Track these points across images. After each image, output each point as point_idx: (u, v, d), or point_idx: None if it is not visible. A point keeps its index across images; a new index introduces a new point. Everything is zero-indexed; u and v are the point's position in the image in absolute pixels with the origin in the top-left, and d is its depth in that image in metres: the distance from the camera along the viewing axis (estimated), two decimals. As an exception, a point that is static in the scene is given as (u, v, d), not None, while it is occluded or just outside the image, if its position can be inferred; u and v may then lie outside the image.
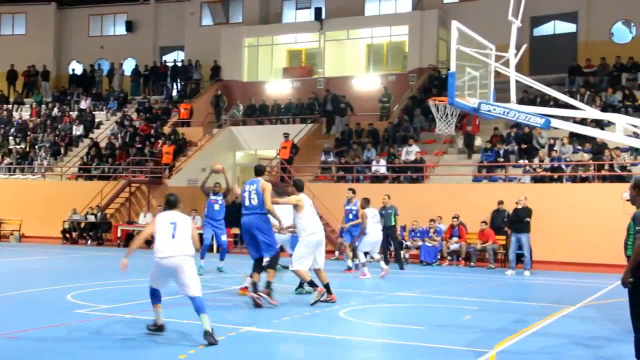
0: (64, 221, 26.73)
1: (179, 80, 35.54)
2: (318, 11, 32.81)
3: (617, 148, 20.73)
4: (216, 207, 16.84)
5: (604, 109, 22.38)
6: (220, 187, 17.00)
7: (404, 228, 21.35)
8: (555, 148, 22.13)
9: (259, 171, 11.96)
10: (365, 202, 16.57)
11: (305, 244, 11.54)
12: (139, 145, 29.67)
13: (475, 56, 10.97)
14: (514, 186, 21.45)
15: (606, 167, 20.90)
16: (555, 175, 21.36)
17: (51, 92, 37.36)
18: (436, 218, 21.19)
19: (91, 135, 32.52)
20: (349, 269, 17.67)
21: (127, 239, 25.62)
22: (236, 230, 24.09)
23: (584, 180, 21.05)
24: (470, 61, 10.96)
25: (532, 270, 18.21)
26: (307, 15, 34.15)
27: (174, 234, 8.83)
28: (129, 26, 38.28)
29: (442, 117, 13.34)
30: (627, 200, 7.96)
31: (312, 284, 11.64)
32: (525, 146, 22.99)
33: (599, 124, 20.76)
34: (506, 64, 11.49)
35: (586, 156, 21.62)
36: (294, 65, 34.73)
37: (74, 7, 39.54)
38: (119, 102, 34.83)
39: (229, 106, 31.80)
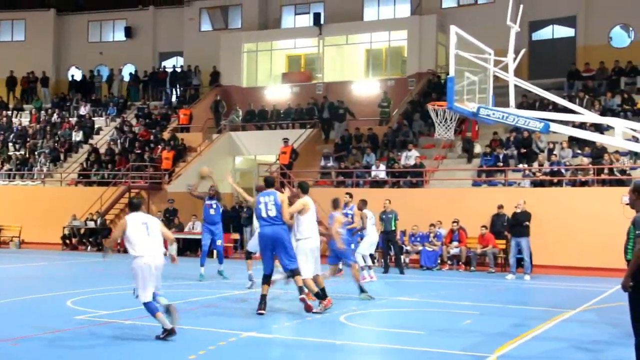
0: (64, 227, 26.73)
1: (178, 86, 35.59)
2: (317, 16, 32.85)
3: (616, 152, 20.75)
4: (211, 211, 16.81)
5: (603, 113, 22.41)
6: (215, 190, 17.04)
7: (404, 233, 21.34)
8: (554, 152, 22.16)
9: (270, 183, 11.83)
10: (363, 204, 16.57)
11: (302, 251, 11.51)
12: (139, 151, 29.69)
13: (474, 61, 11.00)
14: (513, 190, 21.45)
15: (606, 171, 20.91)
16: (555, 180, 21.35)
17: (50, 98, 37.38)
18: (436, 223, 21.19)
19: (91, 141, 32.52)
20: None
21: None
22: (235, 236, 24.14)
23: (583, 184, 21.06)
24: (469, 66, 10.99)
25: (533, 275, 18.21)
26: (306, 20, 34.22)
27: (148, 232, 9.26)
28: (128, 32, 38.33)
29: (441, 122, 13.35)
30: (627, 204, 7.97)
31: (318, 295, 11.58)
32: (525, 150, 23.01)
33: (598, 128, 20.81)
34: (505, 68, 11.53)
35: (586, 160, 21.63)
36: (293, 70, 34.77)
37: (73, 13, 39.60)
38: (118, 108, 34.85)
39: (229, 111, 31.82)
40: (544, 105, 23.04)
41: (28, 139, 33.29)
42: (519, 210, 18.66)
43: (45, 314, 10.56)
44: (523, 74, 25.57)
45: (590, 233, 19.57)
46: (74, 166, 30.69)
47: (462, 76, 10.89)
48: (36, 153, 31.82)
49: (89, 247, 26.34)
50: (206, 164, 28.39)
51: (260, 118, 31.25)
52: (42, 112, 35.67)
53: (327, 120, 29.26)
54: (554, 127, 11.20)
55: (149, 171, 27.97)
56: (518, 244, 18.26)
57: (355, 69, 33.51)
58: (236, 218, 24.14)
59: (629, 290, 6.90)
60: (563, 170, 21.62)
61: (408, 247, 21.16)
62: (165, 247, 9.83)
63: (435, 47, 30.43)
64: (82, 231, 26.82)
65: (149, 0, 37.87)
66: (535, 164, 22.30)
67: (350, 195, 17.04)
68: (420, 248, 20.91)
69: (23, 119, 35.72)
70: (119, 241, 9.82)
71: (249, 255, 14.85)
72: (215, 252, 17.00)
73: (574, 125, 18.81)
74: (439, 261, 20.74)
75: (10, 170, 31.10)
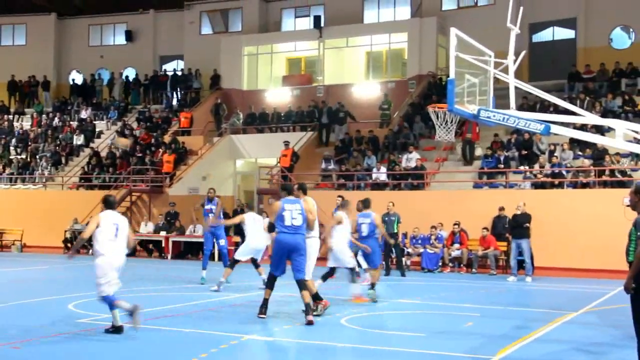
0: (66, 231, 26.70)
1: (178, 89, 35.59)
2: (317, 19, 32.85)
3: (617, 154, 20.74)
4: (211, 215, 16.75)
5: (604, 114, 22.38)
6: (214, 193, 17.00)
7: (405, 235, 21.31)
8: (555, 154, 22.15)
9: (290, 189, 11.52)
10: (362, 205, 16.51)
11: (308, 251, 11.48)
12: (140, 155, 29.69)
13: (474, 63, 10.98)
14: (514, 192, 21.44)
15: (607, 172, 20.90)
16: (556, 181, 21.36)
17: (52, 102, 37.44)
18: (437, 225, 21.15)
19: (92, 144, 32.55)
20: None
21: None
22: (237, 239, 24.11)
23: (584, 186, 21.04)
24: (469, 68, 10.96)
25: (534, 277, 18.17)
26: (306, 23, 34.24)
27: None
28: (129, 36, 38.36)
29: (442, 124, 13.35)
30: (628, 205, 7.95)
31: (316, 297, 11.53)
32: (526, 152, 23.02)
33: (599, 130, 20.78)
34: (505, 70, 11.50)
35: (587, 162, 21.61)
36: (293, 73, 34.78)
37: (74, 17, 39.64)
38: (119, 111, 34.88)
39: (229, 115, 31.84)
40: (545, 107, 23.04)
41: (29, 143, 33.33)
42: (519, 212, 18.64)
43: (47, 317, 10.55)
44: (523, 76, 25.58)
45: (592, 235, 19.59)
46: (75, 170, 30.71)
47: (462, 78, 10.86)
48: (37, 157, 31.85)
49: (90, 251, 26.24)
50: (207, 167, 28.67)
51: (261, 121, 31.26)
52: (44, 116, 35.73)
53: (326, 125, 29.25)
54: (554, 129, 11.17)
55: (150, 174, 27.97)
56: (519, 245, 18.23)
57: (355, 72, 33.51)
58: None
59: (631, 292, 6.88)
60: (564, 172, 21.61)
61: (409, 250, 21.12)
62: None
63: (436, 49, 30.42)
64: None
65: (149, 4, 37.87)
66: (536, 166, 22.29)
67: (343, 198, 16.96)
68: (421, 250, 20.87)
69: (24, 123, 35.78)
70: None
71: (234, 264, 14.82)
72: (218, 253, 16.95)
73: (575, 127, 18.78)
74: (440, 263, 20.71)
75: (12, 174, 31.12)
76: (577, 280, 18.31)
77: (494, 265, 19.90)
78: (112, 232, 9.58)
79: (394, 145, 26.20)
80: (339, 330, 10.42)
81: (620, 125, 11.48)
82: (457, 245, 20.70)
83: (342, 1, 33.87)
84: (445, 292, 15.49)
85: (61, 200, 28.02)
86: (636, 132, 11.72)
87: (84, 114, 35.10)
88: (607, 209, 19.19)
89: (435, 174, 24.00)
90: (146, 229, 25.64)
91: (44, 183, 30.18)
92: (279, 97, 33.08)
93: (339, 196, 17.63)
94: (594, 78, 27.10)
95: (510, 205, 19.48)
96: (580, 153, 22.31)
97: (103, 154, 30.92)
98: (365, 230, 13.69)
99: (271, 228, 11.36)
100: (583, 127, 20.40)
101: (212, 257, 17.28)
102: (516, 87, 11.53)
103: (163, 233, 24.91)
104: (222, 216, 17.21)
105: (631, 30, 29.19)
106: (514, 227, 18.74)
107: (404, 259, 20.14)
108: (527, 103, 23.95)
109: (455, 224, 20.76)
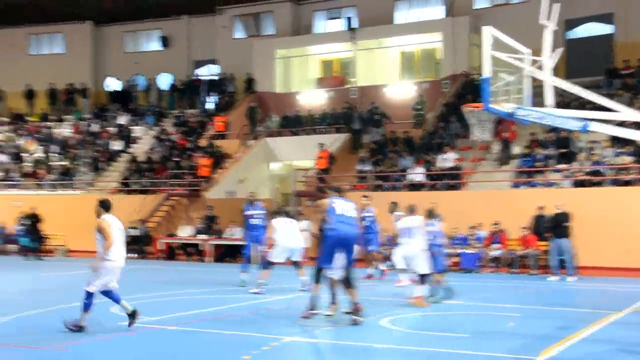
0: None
1: (214, 94, 35.80)
2: (349, 21, 32.90)
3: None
4: (252, 220, 16.59)
5: (644, 110, 22.03)
6: (255, 197, 17.03)
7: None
8: (595, 151, 21.86)
9: (339, 189, 11.94)
10: (394, 206, 16.56)
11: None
12: (177, 159, 30.02)
13: (509, 61, 10.90)
14: (553, 191, 21.23)
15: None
16: (596, 179, 21.06)
17: (90, 108, 37.98)
18: (476, 225, 21.04)
19: (130, 149, 32.97)
20: (370, 276, 17.59)
21: (169, 251, 25.94)
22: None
23: (626, 183, 20.75)
24: (504, 66, 10.89)
25: (577, 276, 17.95)
26: (338, 25, 34.28)
27: (122, 239, 10.38)
28: (164, 41, 38.74)
29: (477, 124, 13.27)
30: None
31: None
32: (564, 150, 22.75)
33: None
34: (541, 68, 11.38)
35: (627, 159, 21.29)
36: (326, 75, 34.82)
37: (110, 25, 40.15)
38: (155, 116, 35.27)
39: (264, 118, 32.01)
40: (582, 104, 22.73)
41: (69, 149, 33.85)
42: (558, 211, 18.45)
43: (92, 320, 10.69)
44: (560, 73, 25.21)
45: (635, 233, 19.25)
46: (114, 175, 31.15)
47: (497, 77, 10.79)
48: (78, 162, 32.34)
49: (132, 254, 26.58)
50: (243, 170, 28.86)
51: (296, 123, 31.37)
52: (82, 122, 36.25)
53: (358, 131, 29.20)
54: (593, 126, 11.06)
55: (187, 179, 28.27)
56: (559, 245, 18.07)
57: (388, 72, 33.44)
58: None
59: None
60: (605, 170, 21.31)
61: (448, 250, 21.01)
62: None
63: (469, 48, 30.23)
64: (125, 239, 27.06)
65: (182, 10, 38.24)
66: (576, 164, 22.03)
67: (368, 198, 16.85)
68: (460, 251, 20.77)
69: (64, 130, 36.33)
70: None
71: (269, 265, 14.87)
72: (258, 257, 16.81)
73: (615, 123, 18.51)
74: (479, 264, 20.59)
75: (54, 180, 31.65)
76: (620, 280, 18.08)
77: (534, 264, 19.72)
78: (120, 237, 10.20)
79: (429, 145, 26.10)
80: (381, 331, 10.46)
81: (661, 122, 11.32)
82: (496, 245, 20.57)
83: (373, 2, 33.84)
84: (486, 293, 15.42)
85: (102, 206, 28.30)
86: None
87: (122, 119, 35.57)
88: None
89: (472, 174, 23.86)
90: (185, 232, 25.91)
91: (85, 188, 30.59)
92: (312, 99, 33.16)
93: (364, 196, 17.61)
94: (633, 74, 26.68)
95: (550, 204, 19.29)
96: (621, 150, 21.97)
97: (141, 158, 31.30)
98: (431, 237, 13.69)
99: (319, 228, 11.58)
100: (623, 124, 20.08)
101: (251, 260, 17.31)
102: (553, 85, 11.42)
103: (201, 236, 25.16)
104: (264, 217, 16.94)
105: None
106: (553, 226, 18.55)
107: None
108: (563, 100, 23.64)
109: (494, 224, 20.63)
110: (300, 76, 34.69)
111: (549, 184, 22.04)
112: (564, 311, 12.84)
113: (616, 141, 22.06)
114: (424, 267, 13.02)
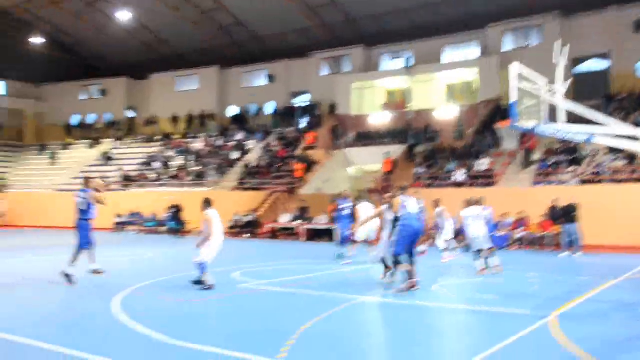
0: (229, 221, 27.81)
1: (306, 116, 36.23)
2: (407, 60, 32.78)
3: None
4: (344, 212, 16.18)
5: (635, 126, 21.26)
6: (347, 193, 17.00)
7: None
8: (596, 157, 21.18)
9: (406, 188, 11.24)
10: (436, 203, 16.51)
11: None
12: (279, 165, 30.59)
13: (530, 90, 10.82)
14: (565, 188, 20.71)
15: (638, 171, 19.82)
16: (598, 179, 20.44)
17: (216, 129, 39.08)
18: (505, 213, 20.72)
19: (244, 158, 33.72)
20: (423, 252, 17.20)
21: (273, 232, 26.46)
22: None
23: (621, 181, 20.08)
24: (526, 93, 10.81)
25: (583, 252, 17.49)
26: (399, 63, 34.19)
27: (220, 227, 10.46)
28: (269, 78, 39.48)
29: (506, 137, 13.17)
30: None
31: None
32: (573, 157, 22.14)
33: (632, 139, 19.72)
34: (554, 94, 11.25)
35: (621, 163, 20.57)
36: (390, 101, 34.76)
37: (231, 68, 41.18)
38: (263, 134, 35.98)
39: (343, 134, 32.24)
40: (586, 121, 22.03)
41: (201, 158, 34.93)
42: (568, 203, 18.04)
43: (216, 283, 10.70)
44: (569, 97, 24.45)
45: (629, 219, 18.68)
46: (233, 177, 31.94)
47: (521, 101, 10.73)
48: (207, 168, 33.36)
49: (246, 235, 27.25)
50: (327, 173, 29.10)
51: (366, 138, 31.47)
52: (211, 138, 37.33)
53: (412, 146, 29.04)
54: (596, 138, 10.86)
55: (286, 179, 28.76)
56: (569, 229, 17.63)
57: (437, 99, 33.12)
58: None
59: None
60: (604, 171, 20.65)
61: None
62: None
63: (499, 79, 29.64)
64: (241, 224, 27.83)
65: (283, 55, 38.91)
66: (581, 167, 21.39)
67: (418, 193, 16.53)
68: (492, 234, 20.41)
69: (198, 144, 37.51)
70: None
71: (354, 243, 15.09)
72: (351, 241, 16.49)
73: (612, 136, 17.95)
74: (507, 243, 20.27)
75: (191, 181, 32.76)
76: (617, 255, 17.50)
77: (550, 243, 19.29)
78: (220, 226, 10.37)
79: (468, 153, 25.81)
80: (432, 294, 10.39)
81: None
82: (521, 228, 20.23)
83: (426, 46, 33.59)
84: (513, 264, 15.21)
85: (225, 199, 29.02)
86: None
87: (239, 136, 36.45)
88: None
89: (502, 175, 23.47)
90: (284, 219, 26.41)
91: (213, 187, 31.52)
92: (379, 119, 33.17)
93: (415, 192, 17.44)
94: (625, 98, 25.74)
95: (562, 198, 18.86)
96: (616, 157, 21.23)
97: (252, 165, 32.03)
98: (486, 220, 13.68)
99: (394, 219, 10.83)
100: (617, 136, 19.42)
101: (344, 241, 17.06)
102: (564, 108, 11.27)
103: (297, 222, 25.60)
104: (351, 211, 16.23)
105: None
106: (564, 214, 18.13)
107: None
108: (572, 119, 22.96)
109: (518, 213, 20.29)
110: (370, 102, 34.74)
111: (561, 183, 21.49)
112: (573, 279, 12.60)
113: (612, 150, 21.35)
114: (487, 243, 12.97)
